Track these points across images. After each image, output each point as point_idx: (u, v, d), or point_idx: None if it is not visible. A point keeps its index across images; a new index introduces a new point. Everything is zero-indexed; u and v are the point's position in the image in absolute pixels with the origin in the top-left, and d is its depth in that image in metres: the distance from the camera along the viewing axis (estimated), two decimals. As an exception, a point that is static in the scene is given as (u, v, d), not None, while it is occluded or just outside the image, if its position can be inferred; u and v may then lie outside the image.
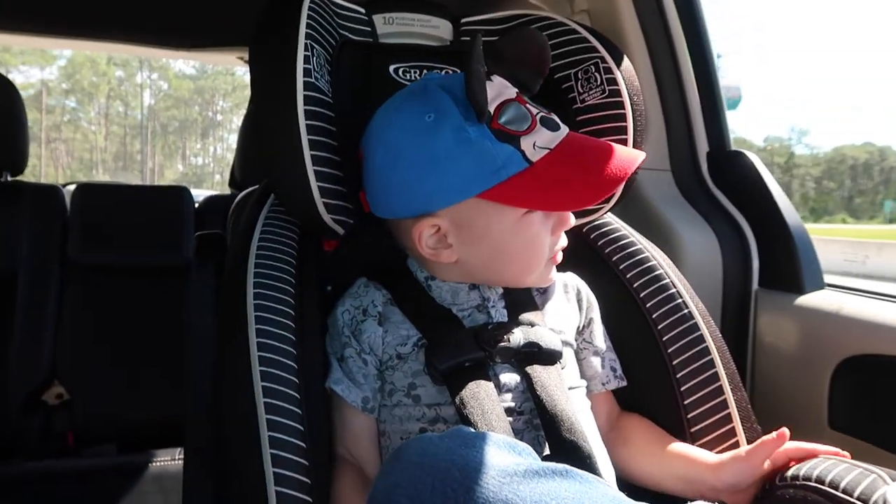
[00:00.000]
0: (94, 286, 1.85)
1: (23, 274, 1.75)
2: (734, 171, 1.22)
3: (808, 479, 0.65)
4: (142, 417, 1.79)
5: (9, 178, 1.87)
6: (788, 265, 1.10)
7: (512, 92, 0.74)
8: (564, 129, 0.74)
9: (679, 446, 0.78)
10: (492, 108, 0.70)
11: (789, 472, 0.67)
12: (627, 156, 0.71)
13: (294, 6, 0.76)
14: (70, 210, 1.89)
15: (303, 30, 0.74)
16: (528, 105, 0.73)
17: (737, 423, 0.78)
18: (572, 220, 0.76)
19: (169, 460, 1.58)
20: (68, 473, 1.55)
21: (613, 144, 0.74)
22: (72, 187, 2.01)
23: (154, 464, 1.57)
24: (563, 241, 0.78)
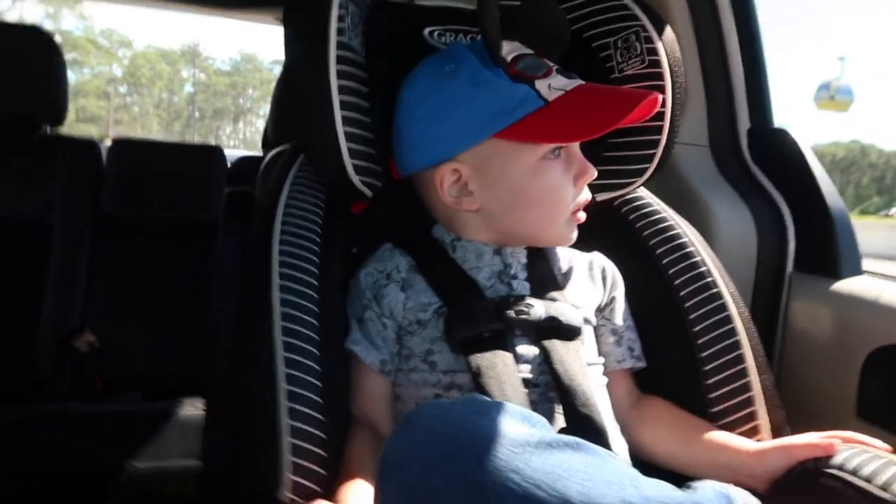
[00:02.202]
0: (126, 239, 1.89)
1: (58, 224, 1.79)
2: (776, 149, 1.18)
3: (835, 467, 0.64)
4: (167, 368, 1.84)
5: (48, 131, 1.90)
6: (826, 249, 1.07)
7: (528, 50, 0.75)
8: (579, 80, 0.74)
9: (715, 433, 0.76)
10: (508, 58, 0.72)
11: (837, 462, 0.65)
12: (641, 95, 0.72)
13: None
14: (106, 164, 1.92)
15: None
16: (544, 59, 0.75)
17: (759, 406, 0.76)
18: (594, 172, 0.75)
19: (192, 409, 1.62)
20: (94, 416, 1.60)
21: (634, 89, 0.75)
22: (109, 142, 2.04)
23: (177, 412, 1.61)
24: (586, 195, 0.77)
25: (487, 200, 0.75)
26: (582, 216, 0.77)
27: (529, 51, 0.75)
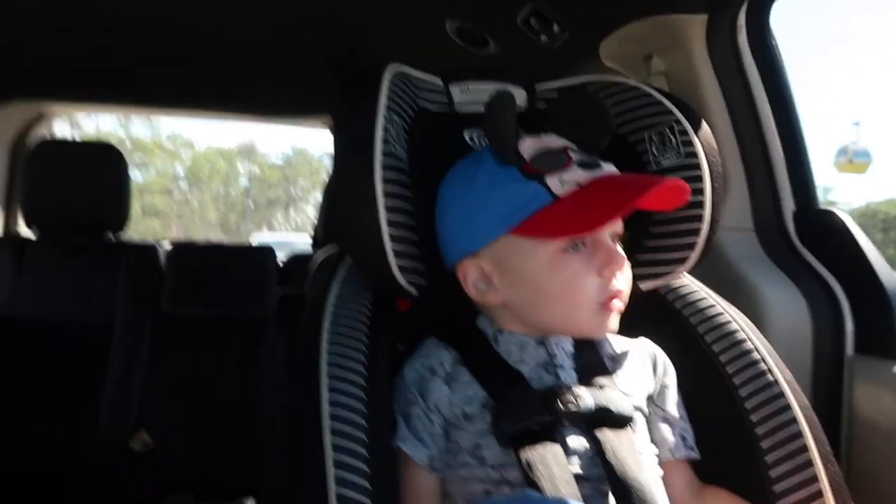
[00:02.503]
0: (182, 338, 1.94)
1: (118, 326, 1.86)
2: (824, 229, 1.17)
3: None
4: (221, 467, 1.84)
5: (111, 237, 2.01)
6: (886, 329, 1.04)
7: (558, 143, 0.77)
8: (607, 169, 0.75)
9: None
10: (528, 155, 0.75)
11: None
12: (657, 178, 0.73)
13: (375, 80, 0.80)
14: (165, 266, 2.00)
15: (383, 101, 0.78)
16: (570, 151, 0.76)
17: (828, 499, 0.72)
18: (622, 261, 0.74)
19: None
20: None
21: (653, 176, 0.74)
22: (168, 245, 2.14)
23: None
24: (619, 285, 0.75)
25: (510, 295, 0.76)
26: (618, 305, 0.76)
27: (557, 145, 0.76)
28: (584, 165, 0.74)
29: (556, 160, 0.74)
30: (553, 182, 0.72)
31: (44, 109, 2.32)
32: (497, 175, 0.74)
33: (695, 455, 0.80)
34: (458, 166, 0.81)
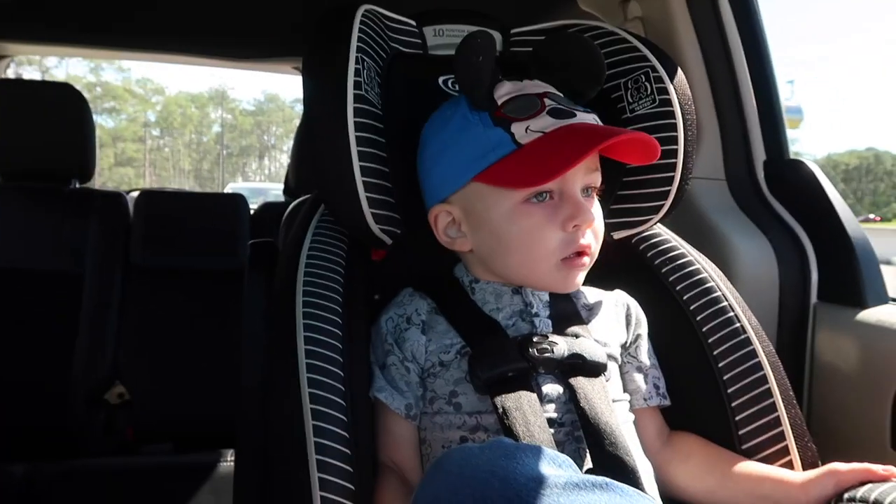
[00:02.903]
0: (153, 289, 1.92)
1: (88, 276, 1.83)
2: (793, 180, 1.18)
3: (866, 500, 0.63)
4: (197, 418, 1.85)
5: (77, 185, 1.96)
6: (850, 278, 1.06)
7: (536, 90, 0.75)
8: (581, 118, 0.73)
9: (753, 465, 0.75)
10: (502, 100, 0.73)
11: (852, 493, 0.66)
12: (617, 130, 0.72)
13: (346, 20, 0.78)
14: (133, 215, 1.96)
15: (354, 43, 0.76)
16: (546, 98, 0.73)
17: (790, 440, 0.75)
18: (589, 217, 0.72)
19: (222, 461, 1.63)
20: (127, 471, 1.61)
21: (614, 128, 0.73)
22: (135, 193, 2.09)
23: (208, 465, 1.62)
24: (586, 241, 0.73)
25: (477, 242, 0.77)
26: (584, 261, 0.75)
27: (535, 90, 0.74)
28: (556, 113, 0.72)
29: (527, 106, 0.72)
30: (518, 129, 0.71)
31: (2, 50, 2.22)
32: (468, 119, 0.73)
33: (666, 402, 0.82)
34: (440, 108, 0.80)
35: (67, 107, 1.87)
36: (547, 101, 0.73)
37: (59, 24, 1.98)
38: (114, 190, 2.09)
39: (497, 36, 0.92)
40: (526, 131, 0.70)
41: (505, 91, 0.74)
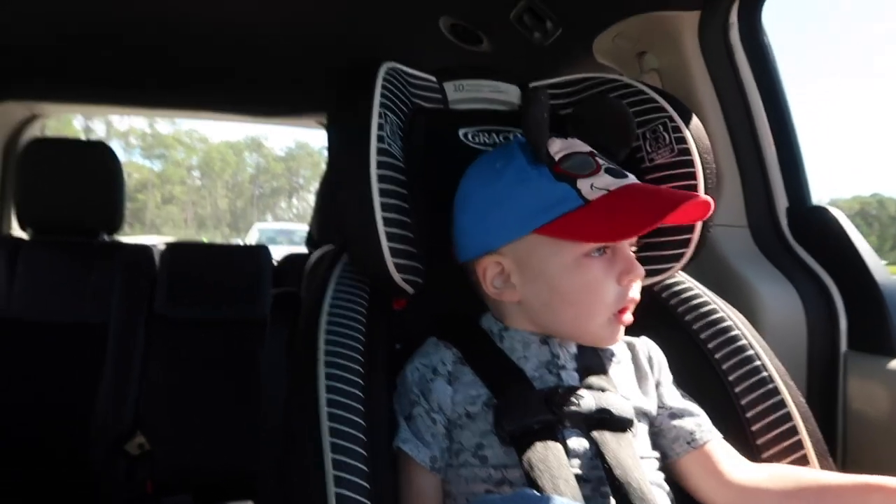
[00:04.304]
0: (177, 339, 1.94)
1: (113, 327, 1.85)
2: (817, 226, 1.17)
3: None
4: (218, 469, 1.83)
5: (105, 238, 2.01)
6: (880, 326, 1.04)
7: (584, 148, 0.77)
8: (632, 179, 0.75)
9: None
10: (558, 156, 0.75)
11: None
12: (688, 194, 0.72)
13: (369, 78, 0.80)
14: (159, 266, 2.00)
15: (377, 99, 0.78)
16: (597, 157, 0.76)
17: None
18: (641, 272, 0.74)
19: None
20: None
21: (681, 191, 0.74)
22: (161, 246, 2.13)
23: None
24: (634, 294, 0.76)
25: (528, 294, 0.76)
26: (628, 318, 0.76)
27: (584, 149, 0.77)
28: (612, 173, 0.74)
29: (585, 164, 0.74)
30: (584, 186, 0.72)
31: (37, 109, 2.31)
32: (527, 172, 0.74)
33: (714, 436, 0.77)
34: (483, 159, 0.81)
35: (101, 164, 1.93)
36: (599, 161, 0.75)
37: (88, 85, 2.06)
38: (140, 243, 2.13)
39: (515, 90, 0.94)
40: (591, 188, 0.72)
41: (557, 147, 0.76)
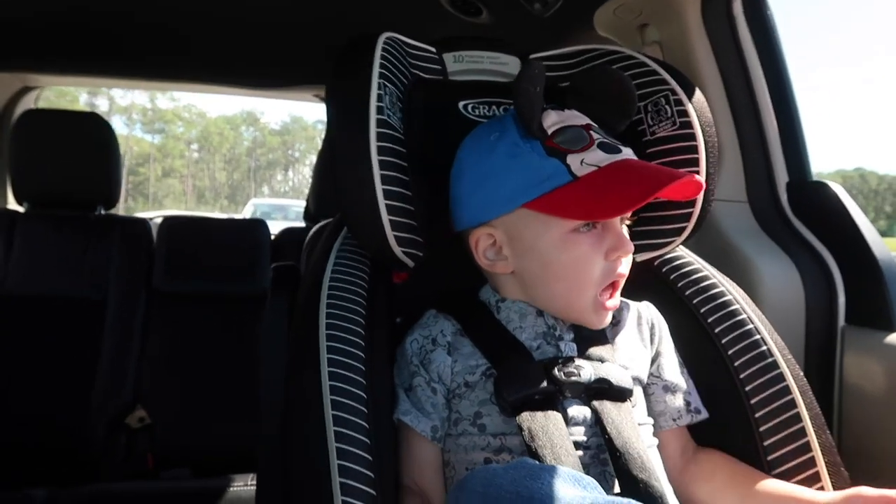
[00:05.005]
0: (175, 314, 1.94)
1: (111, 302, 1.85)
2: (816, 201, 1.17)
3: None
4: (218, 442, 1.85)
5: (102, 212, 1.99)
6: (878, 301, 1.04)
7: (580, 121, 0.76)
8: (626, 154, 0.74)
9: (778, 484, 0.73)
10: (551, 130, 0.74)
11: None
12: (677, 172, 0.72)
13: (368, 48, 0.79)
14: (156, 241, 1.99)
15: (376, 70, 0.77)
16: (591, 131, 0.75)
17: (821, 466, 0.74)
18: (630, 248, 0.74)
19: (242, 486, 1.62)
20: (148, 495, 1.61)
21: (671, 169, 0.74)
22: (158, 220, 2.12)
23: (228, 489, 1.61)
24: (623, 270, 0.76)
25: (519, 267, 0.77)
26: (615, 302, 0.76)
27: (581, 121, 0.76)
28: (604, 147, 0.74)
29: (578, 139, 0.74)
30: (574, 161, 0.72)
31: (29, 81, 2.28)
32: (519, 147, 0.74)
33: (701, 416, 0.80)
34: (478, 131, 0.81)
35: (94, 136, 1.91)
36: (594, 135, 0.75)
37: (91, 58, 2.03)
38: (137, 216, 2.11)
39: (516, 61, 0.93)
40: (581, 164, 0.72)
41: (552, 121, 0.75)
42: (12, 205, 2.18)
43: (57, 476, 1.63)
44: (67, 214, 1.92)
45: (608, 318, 0.77)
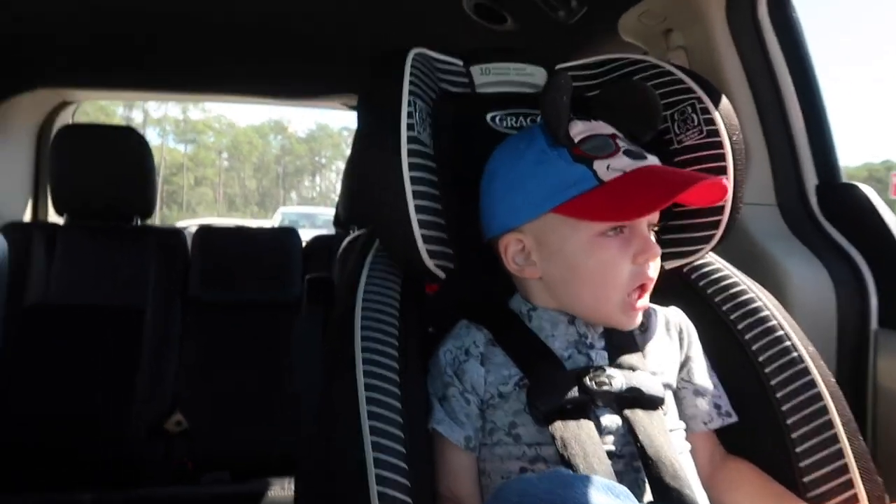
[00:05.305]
0: (211, 321, 1.98)
1: (149, 310, 1.90)
2: (847, 203, 1.16)
3: None
4: (255, 447, 1.89)
5: (139, 222, 2.05)
6: (911, 303, 1.03)
7: (606, 130, 0.78)
8: (651, 160, 0.76)
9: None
10: (578, 138, 0.76)
11: None
12: (701, 175, 0.74)
13: (398, 66, 0.81)
14: (191, 250, 2.04)
15: (406, 87, 0.79)
16: (617, 140, 0.77)
17: (854, 474, 0.73)
18: (657, 251, 0.76)
19: (280, 490, 1.65)
20: (190, 499, 1.65)
21: (695, 172, 0.74)
22: (193, 229, 2.17)
23: (267, 493, 1.65)
24: (651, 272, 0.77)
25: (547, 271, 0.78)
26: (644, 302, 0.77)
27: (606, 131, 0.78)
28: (630, 154, 0.75)
29: (604, 146, 0.76)
30: (600, 167, 0.74)
31: (67, 96, 2.35)
32: (547, 154, 0.76)
33: (731, 419, 0.81)
34: (508, 141, 0.83)
35: (130, 149, 1.97)
36: (619, 143, 0.77)
37: (125, 73, 2.09)
38: (172, 227, 2.17)
39: (542, 72, 0.94)
40: (607, 169, 0.74)
41: (579, 130, 0.77)
42: (52, 217, 2.25)
43: (101, 480, 1.68)
44: (105, 226, 1.98)
45: (638, 319, 0.78)
